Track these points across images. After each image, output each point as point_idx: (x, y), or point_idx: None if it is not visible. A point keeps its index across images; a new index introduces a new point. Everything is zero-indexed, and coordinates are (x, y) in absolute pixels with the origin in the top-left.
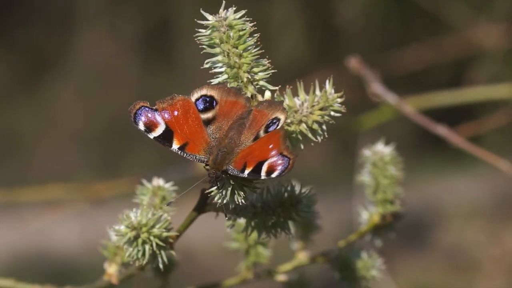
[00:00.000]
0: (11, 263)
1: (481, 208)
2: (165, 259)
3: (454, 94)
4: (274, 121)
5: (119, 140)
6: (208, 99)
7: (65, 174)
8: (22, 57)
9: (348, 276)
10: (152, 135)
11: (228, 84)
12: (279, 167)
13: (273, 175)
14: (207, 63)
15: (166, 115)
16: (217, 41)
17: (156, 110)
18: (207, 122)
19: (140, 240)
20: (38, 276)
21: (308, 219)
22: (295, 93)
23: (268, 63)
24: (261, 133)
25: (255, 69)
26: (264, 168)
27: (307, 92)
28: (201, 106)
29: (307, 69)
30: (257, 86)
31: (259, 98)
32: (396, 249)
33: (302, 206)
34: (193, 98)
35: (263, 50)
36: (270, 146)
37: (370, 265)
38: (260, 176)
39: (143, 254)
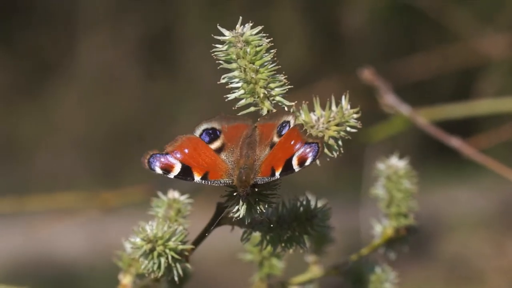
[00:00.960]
0: (15, 269)
1: (484, 219)
2: (180, 271)
3: (465, 106)
4: (284, 124)
5: (121, 146)
6: (210, 131)
7: (66, 179)
8: (25, 62)
9: None
10: (172, 175)
11: (243, 101)
12: (310, 154)
13: (307, 163)
14: (223, 78)
15: (178, 155)
16: (234, 56)
17: (167, 153)
18: (218, 151)
19: (155, 253)
20: (42, 284)
21: (323, 232)
22: (311, 109)
23: (285, 79)
24: (275, 139)
25: (272, 85)
26: (295, 162)
27: (322, 107)
28: (206, 139)
29: (310, 78)
30: (273, 102)
31: None
32: (398, 260)
33: (317, 220)
34: (197, 134)
35: (280, 66)
36: (292, 142)
37: (384, 278)
38: (294, 170)
39: (159, 267)
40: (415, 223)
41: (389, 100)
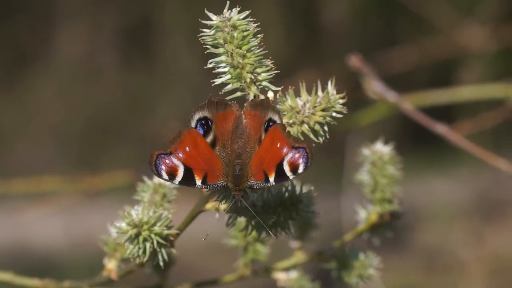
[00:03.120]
0: None
1: (461, 209)
2: (165, 256)
3: (449, 92)
4: (270, 123)
5: (98, 136)
6: (203, 121)
7: (43, 169)
8: (2, 51)
9: (345, 274)
10: (176, 181)
11: (230, 85)
12: (301, 161)
13: (300, 171)
14: (210, 63)
15: (180, 155)
16: (221, 41)
17: (170, 153)
18: (212, 144)
19: (141, 238)
20: (19, 272)
21: (308, 218)
22: (297, 94)
23: (271, 63)
24: (263, 136)
25: (258, 70)
26: (287, 168)
27: (308, 92)
28: (201, 131)
29: (289, 70)
30: (260, 87)
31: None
32: (376, 249)
33: (302, 205)
34: (192, 126)
35: (267, 51)
36: (278, 145)
37: (368, 264)
38: (288, 178)
39: (144, 252)
40: (400, 209)
41: (376, 86)
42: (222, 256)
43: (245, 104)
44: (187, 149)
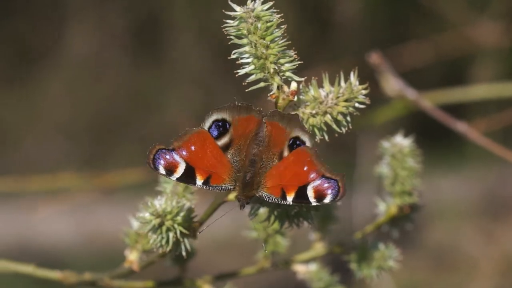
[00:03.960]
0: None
1: (468, 208)
2: (188, 246)
3: (466, 90)
4: (298, 142)
5: (105, 133)
6: (220, 123)
7: (51, 166)
8: (9, 49)
9: (365, 266)
10: (174, 177)
11: (254, 76)
12: (329, 191)
13: (326, 201)
14: (234, 53)
15: (184, 153)
16: (245, 32)
17: (173, 150)
18: (225, 148)
19: (164, 228)
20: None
21: (328, 210)
22: (319, 85)
23: (295, 54)
24: (285, 153)
25: (282, 60)
26: (311, 193)
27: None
28: (215, 133)
29: (302, 65)
30: (283, 77)
31: (285, 89)
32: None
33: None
34: (205, 127)
35: (290, 42)
36: (305, 168)
37: (387, 255)
38: (310, 202)
39: (167, 242)
40: (419, 201)
41: (395, 84)
42: (232, 252)
43: (269, 112)
44: (193, 148)
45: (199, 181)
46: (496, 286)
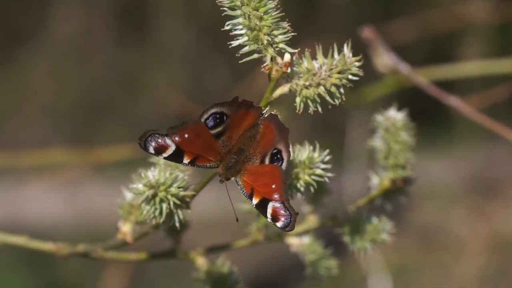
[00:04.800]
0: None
1: (455, 188)
2: (181, 217)
3: (457, 67)
4: (278, 156)
5: (91, 115)
6: (218, 115)
7: (36, 148)
8: None
9: (358, 239)
10: (161, 156)
11: (247, 47)
12: (283, 219)
13: (277, 224)
14: (227, 25)
15: (176, 138)
16: (238, 3)
17: (166, 135)
18: (218, 135)
19: (157, 199)
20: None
21: (321, 182)
22: (313, 56)
23: (288, 25)
24: (266, 159)
25: (275, 32)
26: (270, 210)
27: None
28: (211, 124)
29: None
30: (276, 49)
31: (279, 60)
32: None
33: (318, 169)
34: (203, 119)
35: (284, 13)
36: (273, 186)
37: (380, 228)
38: (266, 216)
39: (160, 213)
40: (412, 175)
41: (388, 58)
42: (224, 231)
43: (268, 114)
44: (186, 136)
45: (186, 161)
46: (485, 264)
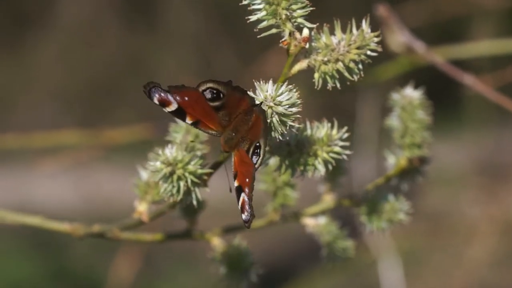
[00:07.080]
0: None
1: (464, 173)
2: (199, 195)
3: (472, 46)
4: (258, 151)
5: (100, 98)
6: (215, 91)
7: (45, 131)
8: (2, 13)
9: (375, 219)
10: (166, 110)
11: (265, 22)
12: (246, 213)
13: (242, 215)
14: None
15: (177, 98)
16: None
17: (167, 91)
18: (217, 109)
19: (175, 176)
20: (22, 230)
21: (338, 161)
22: (331, 32)
23: (307, 0)
24: (251, 149)
25: (294, 6)
26: (240, 200)
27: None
28: (208, 96)
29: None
30: (295, 24)
31: (297, 35)
32: None
33: (336, 147)
34: (200, 90)
35: None
36: (247, 180)
37: (398, 208)
38: (238, 203)
39: (178, 190)
40: (429, 154)
41: (404, 37)
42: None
43: (259, 106)
44: (186, 98)
45: (188, 121)
46: (495, 247)
